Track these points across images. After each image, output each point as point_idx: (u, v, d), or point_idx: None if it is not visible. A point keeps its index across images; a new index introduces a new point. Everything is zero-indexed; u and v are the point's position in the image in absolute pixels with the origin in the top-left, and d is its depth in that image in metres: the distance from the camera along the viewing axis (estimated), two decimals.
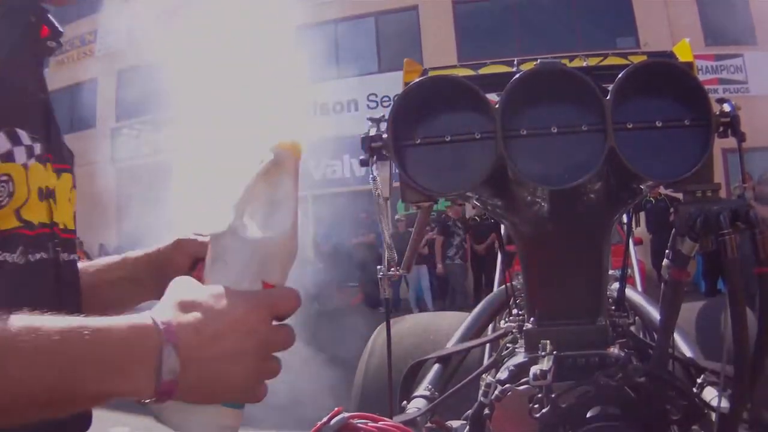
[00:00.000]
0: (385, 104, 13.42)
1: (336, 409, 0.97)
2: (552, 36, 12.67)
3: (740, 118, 1.31)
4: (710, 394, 1.44)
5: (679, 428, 1.29)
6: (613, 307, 2.02)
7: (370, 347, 2.69)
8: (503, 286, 2.25)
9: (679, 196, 1.38)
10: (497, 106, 1.31)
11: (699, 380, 1.52)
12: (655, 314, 1.96)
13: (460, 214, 11.71)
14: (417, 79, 1.42)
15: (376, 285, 1.80)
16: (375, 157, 1.48)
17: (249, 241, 0.65)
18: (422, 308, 10.67)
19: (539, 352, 1.41)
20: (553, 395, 1.26)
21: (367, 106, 14.05)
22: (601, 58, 2.08)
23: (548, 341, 1.43)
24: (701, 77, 8.51)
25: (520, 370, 1.46)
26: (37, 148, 0.74)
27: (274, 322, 0.64)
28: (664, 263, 1.33)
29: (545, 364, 1.33)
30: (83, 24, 16.45)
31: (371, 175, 1.53)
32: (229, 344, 0.60)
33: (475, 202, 1.66)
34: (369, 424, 0.96)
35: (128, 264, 0.92)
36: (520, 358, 1.54)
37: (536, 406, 1.28)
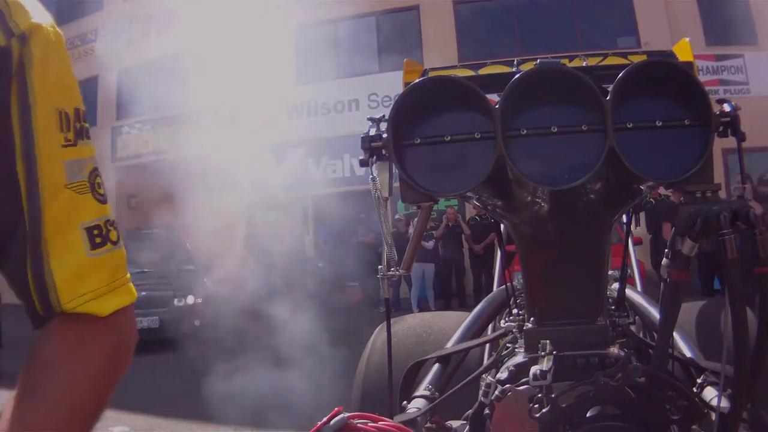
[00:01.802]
0: (385, 104, 13.44)
1: (336, 409, 0.97)
2: (552, 36, 12.68)
3: (740, 118, 1.31)
4: (710, 394, 1.44)
5: (679, 428, 1.29)
6: (613, 307, 2.01)
7: (370, 347, 2.68)
8: (503, 286, 2.25)
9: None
10: (497, 106, 1.31)
11: (699, 380, 1.52)
12: (655, 314, 1.96)
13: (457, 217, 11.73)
14: (417, 80, 1.42)
15: (376, 285, 1.80)
16: (375, 157, 1.48)
17: None
18: (423, 308, 10.67)
19: (539, 352, 1.41)
20: (553, 395, 1.26)
21: (368, 105, 14.06)
22: (601, 58, 2.08)
23: (548, 341, 1.43)
24: (702, 77, 8.51)
25: (520, 370, 1.46)
26: None
27: None
28: (663, 262, 1.33)
29: (545, 364, 1.33)
30: (84, 23, 16.46)
31: (371, 175, 1.53)
32: None
33: (475, 202, 1.66)
34: (369, 424, 0.96)
35: None
36: (520, 358, 1.54)
37: (536, 406, 1.28)
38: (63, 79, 0.77)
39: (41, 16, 0.75)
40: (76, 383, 0.71)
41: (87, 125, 0.79)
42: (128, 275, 0.79)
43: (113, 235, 0.77)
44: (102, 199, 0.78)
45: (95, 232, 0.75)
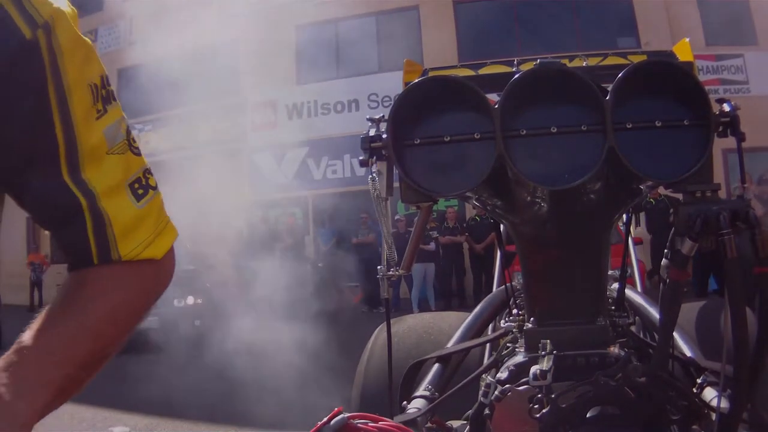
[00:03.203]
0: (385, 104, 13.43)
1: (336, 409, 0.97)
2: (552, 36, 12.67)
3: (740, 118, 1.31)
4: (710, 394, 1.44)
5: (679, 428, 1.29)
6: (613, 307, 2.01)
7: (370, 347, 2.69)
8: (503, 286, 2.25)
9: (679, 196, 1.38)
10: (497, 106, 1.31)
11: (699, 380, 1.52)
12: (655, 314, 1.96)
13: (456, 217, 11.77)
14: (417, 79, 1.42)
15: (376, 285, 1.80)
16: (375, 157, 1.48)
17: None
18: (423, 308, 10.67)
19: (539, 352, 1.41)
20: (553, 395, 1.26)
21: (368, 105, 14.07)
22: (601, 58, 2.08)
23: (548, 341, 1.43)
24: (702, 77, 8.50)
25: (520, 370, 1.45)
26: None
27: None
28: (663, 263, 1.33)
29: (545, 364, 1.33)
30: (83, 23, 16.43)
31: (371, 175, 1.53)
32: None
33: (474, 202, 1.66)
34: (369, 424, 0.96)
35: None
36: (520, 358, 1.54)
37: (536, 406, 1.28)
38: (88, 53, 0.81)
39: (59, 0, 0.78)
40: (116, 307, 0.79)
41: (111, 87, 0.84)
42: (167, 214, 0.86)
43: (152, 181, 0.84)
44: (137, 152, 0.84)
45: (136, 185, 0.81)
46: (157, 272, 0.83)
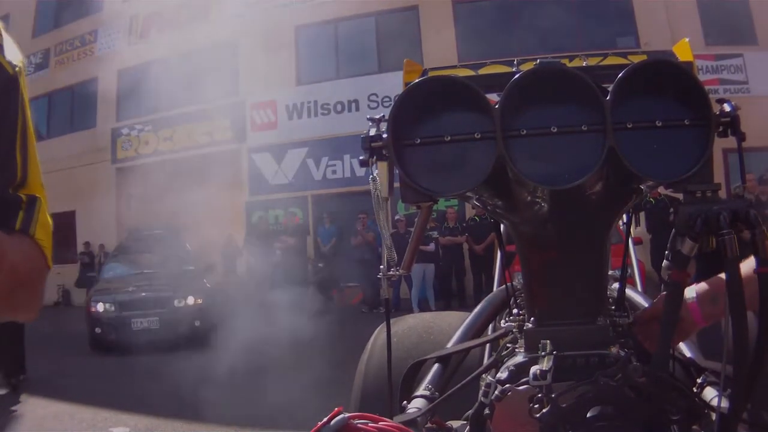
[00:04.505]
0: (385, 104, 13.43)
1: (336, 409, 0.97)
2: (552, 36, 12.68)
3: (740, 118, 1.31)
4: (710, 394, 1.44)
5: (679, 428, 1.29)
6: (613, 307, 2.01)
7: (370, 347, 2.69)
8: (503, 286, 2.25)
9: (679, 196, 1.38)
10: (497, 106, 1.31)
11: (699, 380, 1.52)
12: None
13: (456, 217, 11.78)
14: (417, 79, 1.42)
15: (375, 285, 1.81)
16: (375, 157, 1.48)
17: None
18: (423, 308, 10.67)
19: (539, 352, 1.41)
20: (553, 395, 1.26)
21: (368, 106, 14.08)
22: (601, 58, 2.08)
23: (548, 341, 1.43)
24: (701, 77, 8.50)
25: (520, 370, 1.45)
26: None
27: None
28: (663, 264, 1.33)
29: (545, 364, 1.33)
30: (83, 24, 16.46)
31: (371, 175, 1.53)
32: None
33: (475, 202, 1.66)
34: (369, 424, 0.96)
35: None
36: (520, 358, 1.53)
37: (536, 406, 1.28)
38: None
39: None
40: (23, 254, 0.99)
41: None
42: None
43: None
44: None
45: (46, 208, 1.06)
46: (46, 268, 1.04)
